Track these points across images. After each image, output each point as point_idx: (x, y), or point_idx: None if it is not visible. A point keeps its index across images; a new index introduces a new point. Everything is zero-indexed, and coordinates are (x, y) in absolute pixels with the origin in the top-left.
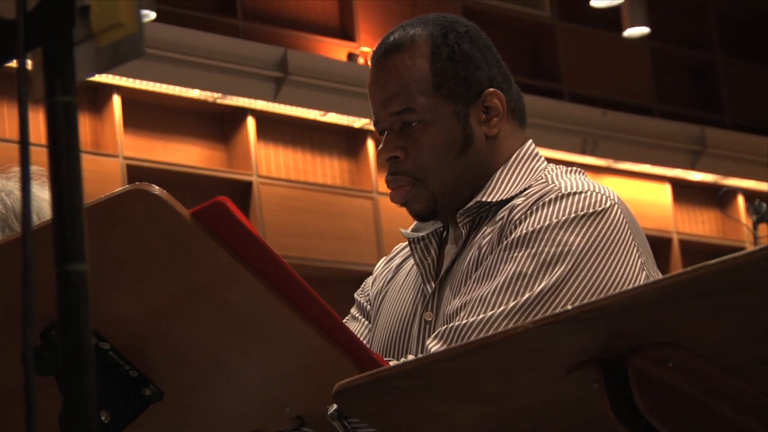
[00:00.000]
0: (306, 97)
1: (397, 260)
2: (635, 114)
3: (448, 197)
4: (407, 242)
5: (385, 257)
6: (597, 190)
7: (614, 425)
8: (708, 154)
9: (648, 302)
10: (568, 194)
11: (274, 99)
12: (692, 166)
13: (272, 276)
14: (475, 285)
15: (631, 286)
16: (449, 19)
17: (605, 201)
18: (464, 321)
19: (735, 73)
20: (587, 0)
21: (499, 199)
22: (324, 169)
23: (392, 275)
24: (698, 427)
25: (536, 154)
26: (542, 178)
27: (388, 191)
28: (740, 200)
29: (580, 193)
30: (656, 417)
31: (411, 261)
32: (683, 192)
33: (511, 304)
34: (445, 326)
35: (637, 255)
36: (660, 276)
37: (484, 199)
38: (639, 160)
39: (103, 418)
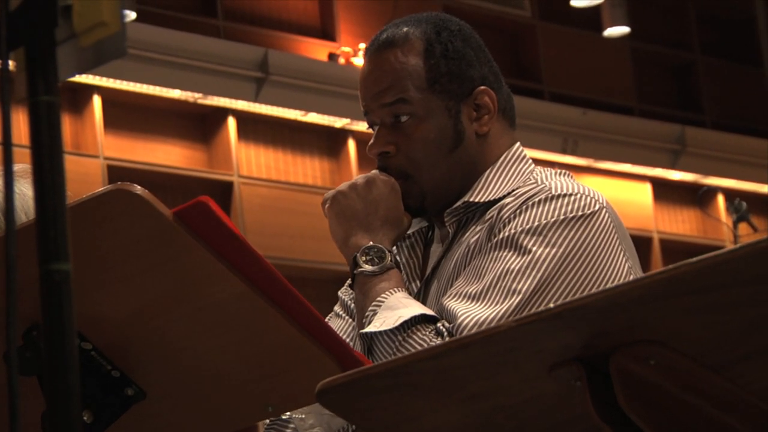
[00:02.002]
0: (287, 97)
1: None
2: (616, 113)
3: (438, 194)
4: None
5: None
6: (586, 193)
7: (597, 423)
8: (688, 153)
9: (630, 300)
10: (558, 196)
11: (255, 99)
12: (672, 166)
13: (255, 275)
14: (464, 284)
15: None
16: (442, 18)
17: (594, 204)
18: (459, 321)
19: (715, 73)
20: (567, 0)
21: (486, 200)
22: (305, 169)
23: None
24: (681, 425)
25: (524, 157)
26: (531, 180)
27: None
28: (720, 199)
29: (570, 195)
30: (639, 415)
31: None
32: (663, 191)
33: (505, 306)
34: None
35: (624, 258)
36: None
37: (471, 200)
38: (619, 159)
39: (85, 418)
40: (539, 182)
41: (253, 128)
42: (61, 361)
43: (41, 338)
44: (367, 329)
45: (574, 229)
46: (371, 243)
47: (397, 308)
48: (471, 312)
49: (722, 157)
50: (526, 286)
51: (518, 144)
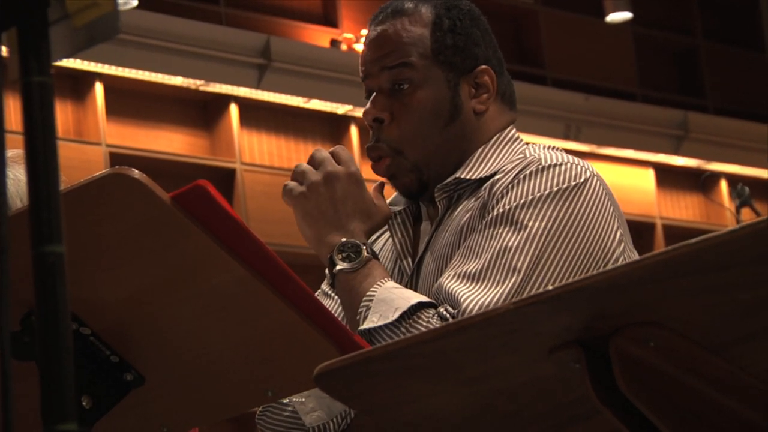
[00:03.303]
0: (289, 83)
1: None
2: (618, 99)
3: (433, 168)
4: None
5: None
6: (575, 162)
7: (596, 406)
8: (691, 138)
9: (630, 282)
10: (548, 167)
11: (257, 86)
12: (675, 151)
13: (253, 259)
14: (461, 262)
15: (610, 257)
16: None
17: (585, 172)
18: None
19: (717, 58)
20: None
21: (477, 177)
22: (307, 155)
23: None
24: (680, 407)
25: (517, 138)
26: (520, 154)
27: (373, 178)
28: (723, 184)
29: (560, 165)
30: (638, 397)
31: (385, 236)
32: (666, 177)
33: (507, 286)
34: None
35: (616, 226)
36: (633, 247)
37: (462, 176)
38: (622, 145)
39: (84, 403)
40: (527, 155)
41: (256, 115)
42: (55, 342)
43: None
44: (366, 326)
45: (568, 200)
46: (344, 239)
47: (390, 300)
48: (473, 295)
49: (725, 142)
50: (525, 263)
51: (512, 126)
